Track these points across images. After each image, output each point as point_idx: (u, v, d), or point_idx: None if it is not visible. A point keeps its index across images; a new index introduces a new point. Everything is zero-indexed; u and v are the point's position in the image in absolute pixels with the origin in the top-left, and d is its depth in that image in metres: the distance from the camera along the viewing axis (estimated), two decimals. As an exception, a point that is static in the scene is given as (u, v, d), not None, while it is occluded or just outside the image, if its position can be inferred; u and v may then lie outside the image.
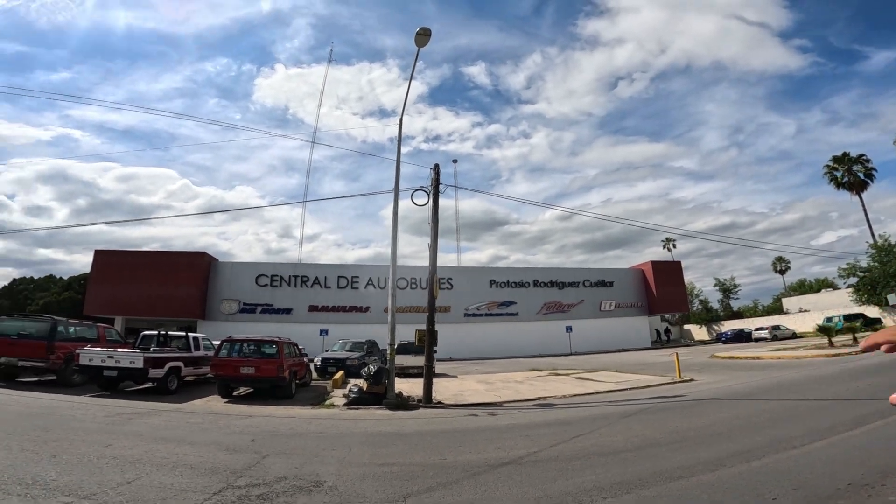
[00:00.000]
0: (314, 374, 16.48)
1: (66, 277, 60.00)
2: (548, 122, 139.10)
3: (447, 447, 6.51)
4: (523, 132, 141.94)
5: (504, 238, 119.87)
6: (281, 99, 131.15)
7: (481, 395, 12.29)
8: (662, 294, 40.61)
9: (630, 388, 13.10)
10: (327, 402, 11.19)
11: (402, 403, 10.64)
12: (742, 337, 38.33)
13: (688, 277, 56.24)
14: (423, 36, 10.74)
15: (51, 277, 62.40)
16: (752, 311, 60.34)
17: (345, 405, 10.67)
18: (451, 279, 36.29)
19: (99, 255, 33.57)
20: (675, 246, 58.74)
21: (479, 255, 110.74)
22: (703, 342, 45.28)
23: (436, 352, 12.22)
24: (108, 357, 10.97)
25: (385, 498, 4.20)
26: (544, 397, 11.77)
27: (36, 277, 63.26)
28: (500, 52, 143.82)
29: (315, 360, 18.02)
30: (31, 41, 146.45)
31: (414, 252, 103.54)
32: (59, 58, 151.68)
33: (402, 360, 14.79)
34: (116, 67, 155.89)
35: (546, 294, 39.41)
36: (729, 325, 47.20)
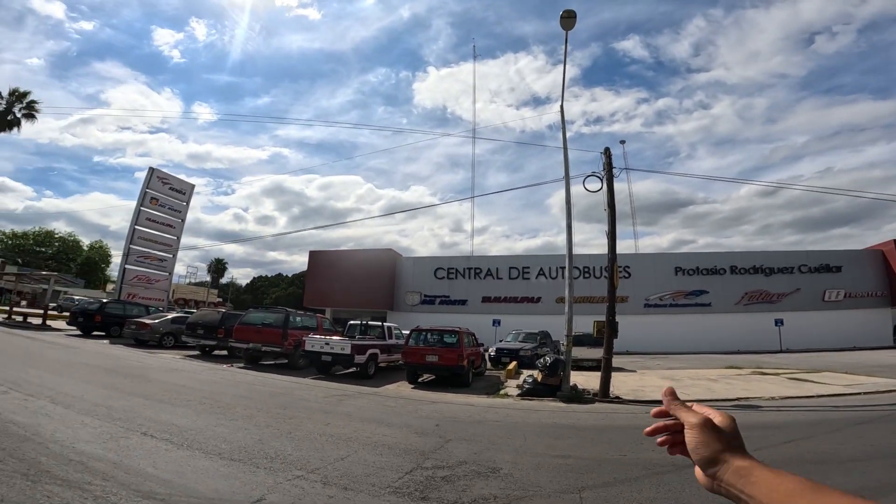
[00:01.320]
0: (488, 364, 16.98)
1: (290, 275, 73.85)
2: (730, 90, 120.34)
3: (626, 443, 6.25)
4: (700, 103, 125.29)
5: (688, 220, 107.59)
6: (438, 99, 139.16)
7: (665, 393, 11.33)
8: (912, 281, 31.58)
9: (864, 393, 10.69)
10: (501, 391, 11.55)
11: (577, 396, 10.46)
12: None
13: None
14: (569, 18, 10.30)
15: (280, 275, 77.52)
16: None
17: (518, 395, 10.91)
18: (628, 267, 33.78)
19: (312, 255, 40.18)
20: (928, 217, 44.93)
21: (658, 240, 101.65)
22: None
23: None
24: (326, 344, 12.72)
25: (559, 489, 4.26)
26: (745, 398, 10.34)
27: (269, 276, 79.36)
28: (653, 22, 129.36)
29: (489, 349, 18.49)
30: (233, 72, 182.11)
31: (584, 240, 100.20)
32: (259, 84, 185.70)
33: (577, 352, 14.40)
34: (301, 88, 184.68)
35: (747, 282, 33.80)
36: None
